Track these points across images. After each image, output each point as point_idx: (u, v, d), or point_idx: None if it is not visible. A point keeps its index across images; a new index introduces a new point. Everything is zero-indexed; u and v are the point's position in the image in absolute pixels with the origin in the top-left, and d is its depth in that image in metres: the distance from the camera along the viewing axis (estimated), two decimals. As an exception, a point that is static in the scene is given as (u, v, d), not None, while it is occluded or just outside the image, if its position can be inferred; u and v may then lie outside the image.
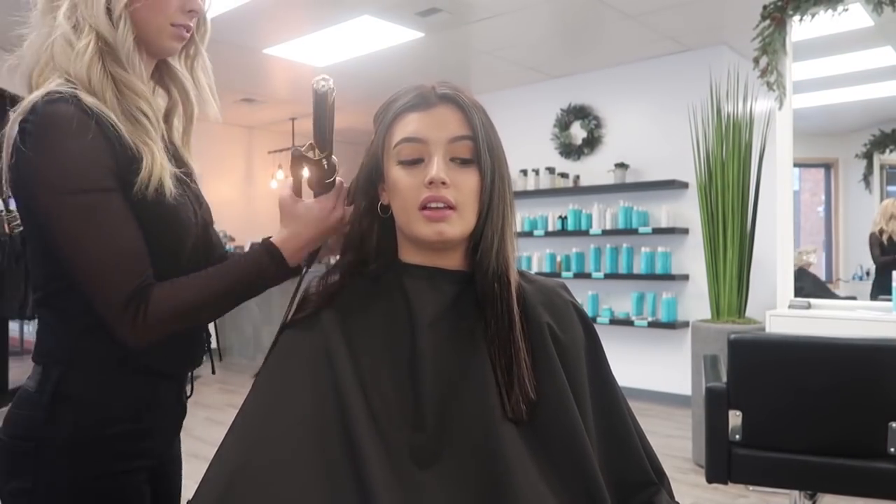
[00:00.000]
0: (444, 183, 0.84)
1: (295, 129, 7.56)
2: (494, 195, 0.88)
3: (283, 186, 1.01)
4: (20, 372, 4.29)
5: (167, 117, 1.10)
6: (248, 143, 7.87)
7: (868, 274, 3.96)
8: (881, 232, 3.80)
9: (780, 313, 3.18)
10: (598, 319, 5.20)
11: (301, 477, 0.78)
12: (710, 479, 1.89)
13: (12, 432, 0.95)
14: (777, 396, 1.81)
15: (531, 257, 5.61)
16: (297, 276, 1.01)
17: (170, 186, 0.94)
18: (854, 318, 3.07)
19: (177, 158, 1.06)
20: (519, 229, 5.60)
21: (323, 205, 0.98)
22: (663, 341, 5.09)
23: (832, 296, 3.91)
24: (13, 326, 4.44)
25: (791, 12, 3.25)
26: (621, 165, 5.20)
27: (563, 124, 5.64)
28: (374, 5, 4.09)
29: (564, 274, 5.40)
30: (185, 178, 1.03)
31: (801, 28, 3.30)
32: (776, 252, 3.38)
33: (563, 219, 5.46)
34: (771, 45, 3.27)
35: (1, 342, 4.31)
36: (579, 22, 4.45)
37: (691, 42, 4.82)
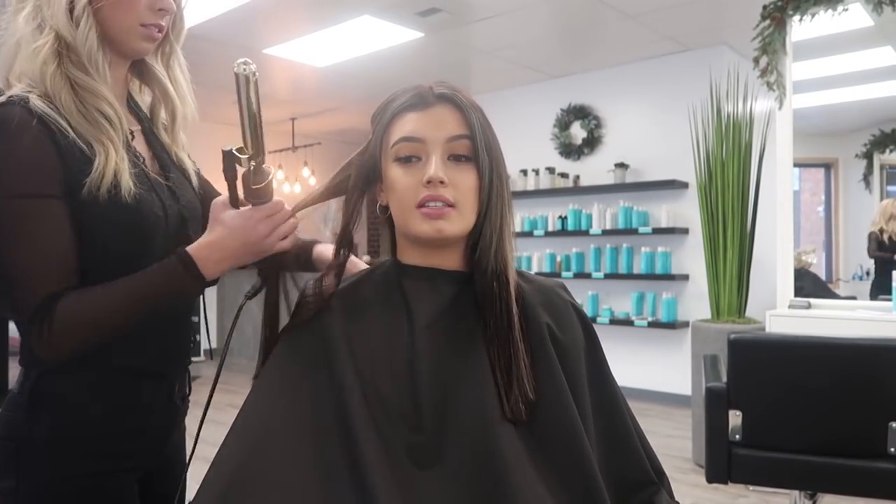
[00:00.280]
0: (442, 182, 0.84)
1: (295, 129, 7.56)
2: (493, 194, 0.88)
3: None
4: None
5: (153, 113, 1.09)
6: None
7: (868, 274, 3.96)
8: (881, 231, 3.81)
9: (780, 313, 3.18)
10: (598, 319, 5.20)
11: (301, 477, 0.78)
12: (710, 479, 1.89)
13: None
14: (777, 396, 1.81)
15: (531, 257, 5.61)
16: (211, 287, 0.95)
17: (128, 184, 0.92)
18: (854, 318, 3.07)
19: (160, 159, 1.06)
20: (519, 229, 5.60)
21: (248, 215, 0.90)
22: (663, 341, 5.09)
23: (832, 296, 3.92)
24: (13, 326, 4.44)
25: (791, 12, 3.25)
26: (621, 165, 5.20)
27: (563, 124, 5.64)
28: (374, 5, 4.09)
29: (564, 274, 5.40)
30: (156, 176, 1.01)
31: (801, 28, 3.30)
32: (776, 252, 3.38)
33: (563, 219, 5.46)
34: (771, 45, 3.27)
35: (1, 342, 4.31)
36: (579, 22, 4.45)
37: (691, 42, 4.82)
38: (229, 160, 0.88)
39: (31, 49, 0.92)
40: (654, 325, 4.99)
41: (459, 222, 0.86)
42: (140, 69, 1.07)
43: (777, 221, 3.37)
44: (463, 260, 0.91)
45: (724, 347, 1.90)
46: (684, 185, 4.90)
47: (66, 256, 0.89)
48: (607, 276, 5.23)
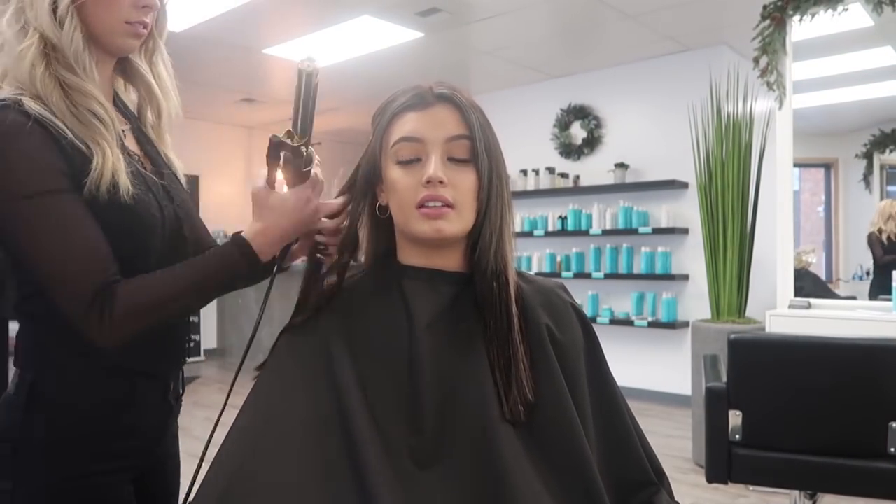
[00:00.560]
0: (441, 182, 0.84)
1: (295, 129, 7.55)
2: (492, 194, 0.88)
3: (256, 178, 0.98)
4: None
5: (140, 112, 1.09)
6: (248, 143, 7.86)
7: (868, 274, 3.96)
8: (880, 231, 3.81)
9: (780, 313, 3.18)
10: (598, 319, 5.20)
11: (301, 478, 0.78)
12: (710, 479, 1.89)
13: None
14: (777, 396, 1.81)
15: (531, 257, 5.61)
16: (271, 272, 0.99)
17: (126, 184, 0.92)
18: (854, 318, 3.07)
19: (152, 158, 1.06)
20: (519, 229, 5.60)
21: (299, 195, 0.95)
22: (663, 341, 5.09)
23: (832, 296, 3.92)
24: (13, 327, 4.44)
25: (791, 12, 3.25)
26: (621, 165, 5.20)
27: (563, 124, 5.64)
28: (374, 5, 4.09)
29: (564, 274, 5.40)
30: (151, 175, 1.01)
31: (801, 28, 3.30)
32: (776, 252, 3.39)
33: (563, 219, 5.46)
34: (771, 45, 3.27)
35: (1, 342, 4.31)
36: (579, 22, 4.45)
37: (691, 42, 4.82)
38: (276, 148, 0.94)
39: (16, 51, 0.91)
40: (654, 325, 4.99)
41: (459, 222, 0.86)
42: (124, 67, 1.07)
43: (777, 221, 3.37)
44: (463, 260, 0.91)
45: (724, 347, 1.90)
46: (684, 185, 4.90)
47: (101, 244, 0.90)
48: (607, 276, 5.23)
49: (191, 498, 0.83)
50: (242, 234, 0.95)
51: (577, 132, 5.60)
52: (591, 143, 5.50)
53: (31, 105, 0.89)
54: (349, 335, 0.87)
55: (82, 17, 0.94)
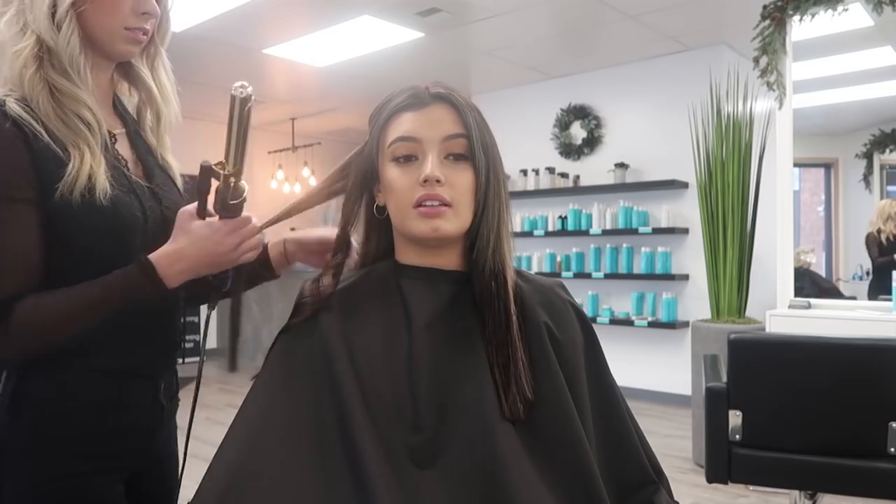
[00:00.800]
0: (438, 181, 0.84)
1: (295, 129, 7.56)
2: (489, 193, 0.88)
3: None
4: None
5: (139, 115, 1.10)
6: (248, 143, 7.85)
7: (868, 274, 3.96)
8: (879, 232, 3.80)
9: (780, 313, 3.18)
10: (598, 319, 5.20)
11: (300, 478, 0.78)
12: (710, 479, 1.89)
13: None
14: (777, 396, 1.81)
15: (531, 257, 5.61)
16: (175, 297, 0.95)
17: (103, 186, 0.92)
18: (854, 318, 3.07)
19: (144, 161, 1.06)
20: (519, 229, 5.60)
21: (216, 228, 0.91)
22: (663, 341, 5.09)
23: (833, 296, 3.91)
24: None
25: (791, 12, 3.25)
26: (621, 165, 5.20)
27: (563, 124, 5.64)
28: (374, 5, 4.09)
29: (564, 274, 5.40)
30: (137, 178, 1.02)
31: (801, 28, 3.30)
32: (776, 252, 3.39)
33: (563, 219, 5.46)
34: (771, 45, 3.27)
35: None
36: (579, 22, 4.45)
37: (691, 42, 4.82)
38: (206, 174, 0.90)
39: (11, 52, 0.92)
40: (654, 325, 4.99)
41: (456, 221, 0.86)
42: (126, 70, 1.08)
43: (777, 221, 3.37)
44: (461, 259, 0.91)
45: (724, 347, 1.90)
46: (684, 185, 4.90)
47: (28, 258, 0.89)
48: (607, 276, 5.23)
49: (183, 499, 0.82)
50: (150, 255, 0.91)
51: (577, 132, 5.60)
52: (591, 143, 5.50)
53: (12, 107, 0.89)
54: (348, 335, 0.87)
55: (82, 22, 0.95)
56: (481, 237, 0.88)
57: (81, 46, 0.95)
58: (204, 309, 1.10)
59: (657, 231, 4.98)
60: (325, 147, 7.77)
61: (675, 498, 0.93)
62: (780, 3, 3.27)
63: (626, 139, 5.33)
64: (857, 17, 3.29)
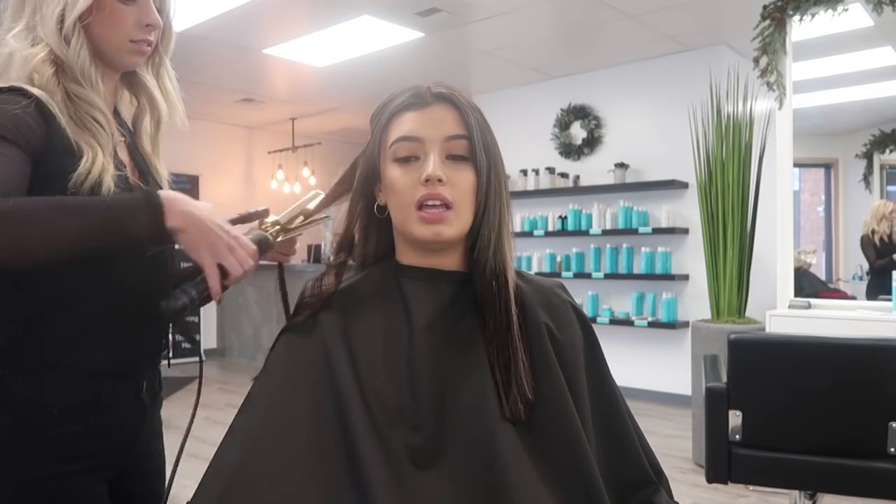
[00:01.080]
0: (440, 180, 0.84)
1: (295, 129, 7.56)
2: (490, 193, 0.88)
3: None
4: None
5: (135, 124, 1.12)
6: (248, 143, 7.87)
7: (868, 274, 3.96)
8: (873, 233, 3.80)
9: (780, 313, 3.18)
10: (598, 319, 5.20)
11: (300, 478, 0.78)
12: (710, 479, 1.89)
13: None
14: (777, 396, 1.81)
15: (531, 257, 5.61)
16: (161, 244, 0.91)
17: (108, 185, 0.94)
18: (854, 318, 3.07)
19: (140, 168, 1.08)
20: (519, 229, 5.60)
21: (227, 227, 0.89)
22: (663, 341, 5.09)
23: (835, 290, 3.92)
24: None
25: (791, 12, 3.25)
26: (621, 165, 5.20)
27: (563, 124, 5.64)
28: (374, 5, 4.09)
29: (564, 274, 5.40)
30: (136, 181, 1.04)
31: (801, 28, 3.30)
32: (776, 252, 3.38)
33: (563, 219, 5.46)
34: (771, 45, 3.27)
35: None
36: (579, 22, 4.45)
37: (691, 42, 4.82)
38: (256, 216, 0.98)
39: (21, 57, 0.95)
40: (654, 325, 4.99)
41: (457, 224, 0.86)
42: (130, 79, 1.11)
43: (777, 221, 3.37)
44: (462, 260, 0.91)
45: (724, 347, 1.90)
46: (684, 185, 4.90)
47: (7, 181, 0.85)
48: (607, 276, 5.23)
49: (183, 499, 0.82)
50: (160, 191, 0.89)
51: (577, 132, 5.60)
52: (591, 143, 5.50)
53: (34, 90, 0.92)
54: (348, 335, 0.87)
55: (88, 35, 0.99)
56: (482, 237, 0.88)
57: (91, 58, 0.99)
58: (204, 310, 1.10)
59: (657, 231, 4.98)
60: (325, 147, 7.77)
61: (675, 498, 0.93)
62: (780, 3, 3.27)
63: (626, 139, 5.33)
64: (857, 17, 3.29)
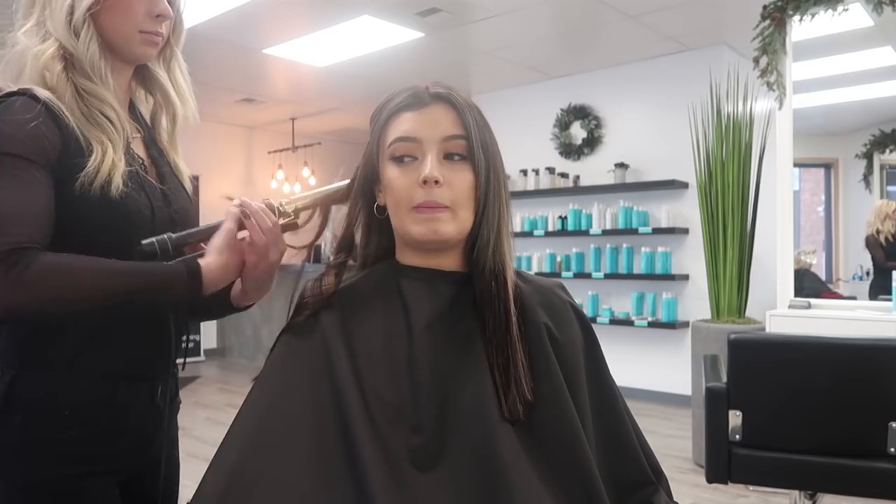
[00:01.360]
0: (437, 182, 0.84)
1: (295, 129, 7.56)
2: (489, 193, 0.88)
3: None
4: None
5: (154, 120, 1.12)
6: (248, 143, 7.87)
7: (868, 274, 3.96)
8: (878, 233, 3.80)
9: (780, 313, 3.18)
10: (598, 319, 5.20)
11: (300, 478, 0.78)
12: (710, 479, 1.89)
13: None
14: (777, 396, 1.81)
15: (531, 257, 5.61)
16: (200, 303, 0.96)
17: (118, 182, 0.94)
18: (854, 318, 3.07)
19: (157, 164, 1.08)
20: (519, 229, 5.60)
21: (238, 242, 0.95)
22: (663, 341, 5.09)
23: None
24: None
25: (791, 12, 3.25)
26: (621, 165, 5.20)
27: (563, 124, 5.64)
28: (374, 5, 4.09)
29: (564, 274, 5.40)
30: (150, 179, 1.04)
31: (801, 28, 3.30)
32: (776, 252, 3.38)
33: (563, 219, 5.46)
34: (771, 45, 3.27)
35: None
36: (579, 22, 4.45)
37: (691, 42, 4.82)
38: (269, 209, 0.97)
39: (32, 54, 0.95)
40: (654, 325, 4.99)
41: (455, 223, 0.86)
42: (143, 75, 1.10)
43: (777, 221, 3.37)
44: (461, 260, 0.91)
45: (724, 347, 1.90)
46: (684, 185, 4.90)
47: (45, 215, 0.89)
48: (607, 276, 5.23)
49: (183, 499, 0.82)
50: (200, 261, 0.93)
51: (577, 132, 5.60)
52: (591, 143, 5.50)
53: (41, 92, 0.92)
54: (348, 335, 0.87)
55: (98, 27, 0.99)
56: (482, 237, 0.88)
57: (101, 51, 0.98)
58: None
59: (657, 231, 4.98)
60: (325, 147, 7.78)
61: (675, 498, 0.93)
62: (780, 3, 3.27)
63: (626, 139, 5.33)
64: (857, 17, 3.29)
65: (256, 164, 7.92)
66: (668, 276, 4.94)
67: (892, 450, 1.69)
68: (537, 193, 5.57)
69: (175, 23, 1.08)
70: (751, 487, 3.13)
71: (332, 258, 0.94)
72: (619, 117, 5.41)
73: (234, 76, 5.66)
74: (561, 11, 4.24)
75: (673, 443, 3.97)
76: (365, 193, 0.93)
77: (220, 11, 4.16)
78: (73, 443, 0.95)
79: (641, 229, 5.03)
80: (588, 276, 5.31)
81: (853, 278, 4.08)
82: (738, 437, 1.82)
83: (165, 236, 0.93)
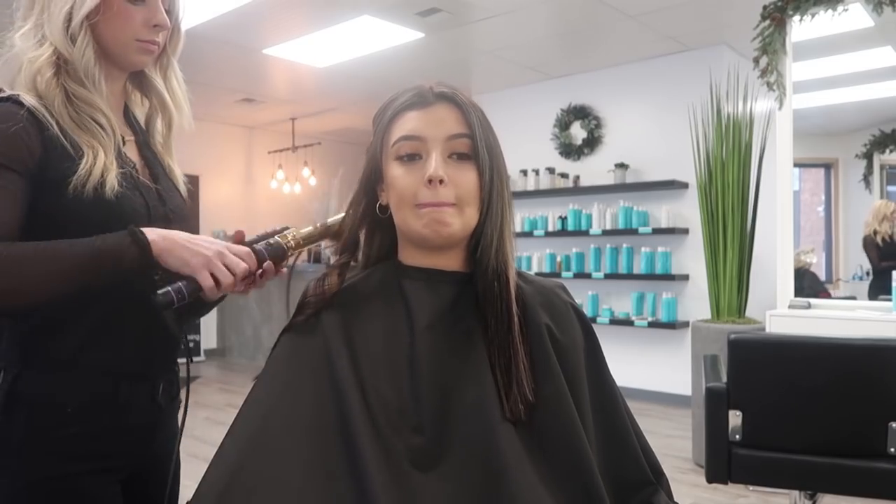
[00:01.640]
0: (441, 181, 0.84)
1: (295, 129, 7.56)
2: (493, 192, 0.88)
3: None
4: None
5: (148, 124, 1.13)
6: (248, 143, 7.87)
7: (868, 274, 3.96)
8: (875, 233, 3.80)
9: (780, 313, 3.18)
10: (598, 319, 5.20)
11: (300, 479, 0.78)
12: (710, 479, 1.89)
13: None
14: (777, 396, 1.81)
15: (531, 257, 5.61)
16: (148, 278, 0.92)
17: (112, 183, 0.95)
18: (854, 318, 3.07)
19: (150, 166, 1.09)
20: (519, 229, 5.60)
21: (218, 243, 0.93)
22: (663, 341, 5.09)
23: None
24: None
25: (791, 12, 3.25)
26: (621, 165, 5.20)
27: (563, 124, 5.64)
28: (374, 5, 4.10)
29: (564, 274, 5.40)
30: (144, 179, 1.05)
31: (801, 28, 3.30)
32: (776, 252, 3.39)
33: (563, 219, 5.46)
34: (771, 45, 3.27)
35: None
36: (579, 22, 4.45)
37: (691, 42, 4.82)
38: (274, 233, 0.97)
39: (27, 59, 0.96)
40: (654, 325, 4.99)
41: (459, 220, 0.86)
42: (139, 80, 1.11)
43: (777, 221, 3.37)
44: (463, 260, 0.91)
45: (724, 347, 1.90)
46: (684, 185, 4.90)
47: (8, 215, 0.89)
48: (607, 276, 5.23)
49: (183, 498, 0.82)
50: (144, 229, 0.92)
51: (577, 132, 5.60)
52: (591, 143, 5.50)
53: (27, 98, 0.93)
54: (349, 335, 0.87)
55: (96, 34, 1.00)
56: (485, 236, 0.88)
57: (96, 58, 0.99)
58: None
59: (657, 231, 4.98)
60: (325, 147, 7.78)
61: (675, 498, 0.93)
62: (780, 4, 3.27)
63: (626, 139, 5.33)
64: (857, 17, 3.29)
65: (256, 164, 7.92)
66: (668, 277, 4.94)
67: (892, 450, 1.69)
68: (537, 193, 5.57)
69: (172, 32, 1.09)
70: (751, 487, 3.13)
71: (332, 259, 0.95)
72: (619, 117, 5.41)
73: (234, 76, 5.66)
74: (561, 11, 4.24)
75: (673, 443, 3.97)
76: (368, 193, 0.93)
77: (221, 12, 4.16)
78: (75, 440, 0.95)
79: (641, 229, 5.03)
80: (588, 276, 5.31)
81: (853, 278, 4.08)
82: (738, 437, 1.82)
83: (180, 283, 0.90)
